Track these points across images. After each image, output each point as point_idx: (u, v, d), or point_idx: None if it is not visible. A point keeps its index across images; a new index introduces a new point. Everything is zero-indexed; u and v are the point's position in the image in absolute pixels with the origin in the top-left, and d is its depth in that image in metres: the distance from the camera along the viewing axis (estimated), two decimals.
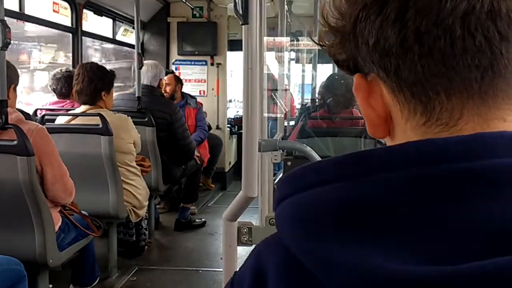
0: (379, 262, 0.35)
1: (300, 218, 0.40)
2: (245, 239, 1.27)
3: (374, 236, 0.36)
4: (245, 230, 1.27)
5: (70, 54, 4.07)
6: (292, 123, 3.90)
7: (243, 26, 1.18)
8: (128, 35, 5.23)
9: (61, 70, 3.53)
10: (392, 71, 0.41)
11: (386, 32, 0.40)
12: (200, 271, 3.31)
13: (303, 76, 5.13)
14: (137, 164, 3.14)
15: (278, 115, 2.91)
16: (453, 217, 0.35)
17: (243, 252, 1.11)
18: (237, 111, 6.86)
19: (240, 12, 1.16)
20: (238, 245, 1.27)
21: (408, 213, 0.36)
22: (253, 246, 0.47)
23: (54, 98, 3.54)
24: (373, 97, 0.44)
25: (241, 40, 1.21)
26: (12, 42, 2.05)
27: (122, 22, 5.06)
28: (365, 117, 0.46)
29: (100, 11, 4.46)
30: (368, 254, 0.35)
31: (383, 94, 0.44)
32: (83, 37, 4.09)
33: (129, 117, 3.07)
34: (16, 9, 3.30)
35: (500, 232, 0.34)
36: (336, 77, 3.79)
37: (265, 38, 1.80)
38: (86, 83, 2.88)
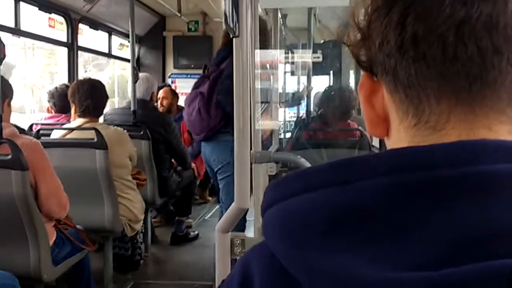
0: (362, 269, 0.35)
1: (286, 225, 0.40)
2: (238, 250, 1.27)
3: (358, 242, 0.37)
4: (238, 241, 1.27)
5: None
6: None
7: (233, 39, 1.20)
8: (124, 49, 5.26)
9: (57, 87, 3.57)
10: (391, 71, 0.42)
11: (389, 35, 0.41)
12: (197, 285, 3.29)
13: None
14: (132, 178, 3.13)
15: (273, 128, 2.91)
16: (434, 223, 0.36)
17: None
18: None
19: (231, 25, 1.17)
20: (231, 257, 1.27)
21: (391, 219, 0.36)
22: None
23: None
24: (375, 97, 0.46)
25: None
26: None
27: (118, 36, 5.09)
28: (365, 115, 0.47)
29: (95, 25, 4.49)
30: (352, 260, 0.36)
31: (384, 95, 0.45)
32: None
33: (125, 131, 3.07)
34: (12, 25, 3.32)
35: (481, 238, 0.34)
36: (332, 89, 3.82)
37: (258, 51, 1.82)
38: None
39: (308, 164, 1.84)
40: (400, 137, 0.44)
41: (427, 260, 0.35)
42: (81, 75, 4.13)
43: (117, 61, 5.53)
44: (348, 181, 0.39)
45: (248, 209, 1.24)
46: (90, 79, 3.06)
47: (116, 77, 7.82)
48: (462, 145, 0.38)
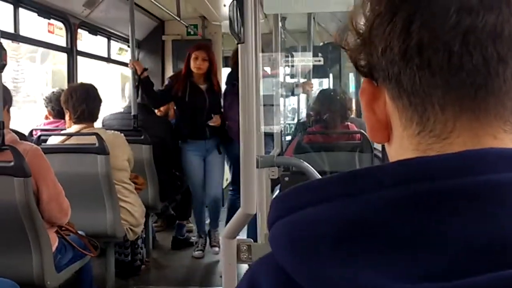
0: (373, 281, 0.35)
1: (293, 238, 0.40)
2: (245, 256, 1.27)
3: (367, 254, 0.37)
4: (245, 247, 1.27)
5: None
6: None
7: (239, 45, 1.20)
8: (123, 54, 5.26)
9: (53, 92, 3.57)
10: (395, 78, 0.42)
11: (393, 41, 0.41)
12: None
13: None
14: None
15: (275, 131, 2.91)
16: (441, 234, 0.36)
17: (243, 271, 1.10)
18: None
19: (236, 31, 1.17)
20: (237, 263, 1.26)
21: (398, 231, 0.36)
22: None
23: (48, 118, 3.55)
24: (377, 103, 0.46)
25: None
26: None
27: (117, 41, 5.09)
28: (366, 120, 0.47)
29: (95, 30, 4.49)
30: (362, 272, 0.36)
31: (386, 101, 0.45)
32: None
33: (122, 134, 3.07)
34: (11, 30, 3.31)
35: (488, 248, 0.34)
36: (328, 92, 3.81)
37: (260, 55, 1.82)
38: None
39: (310, 168, 1.84)
40: (403, 144, 0.44)
41: (436, 271, 0.35)
42: (12, 69, 4.06)
43: (56, 53, 5.14)
44: (354, 194, 0.39)
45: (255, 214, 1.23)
46: (82, 84, 3.06)
47: (53, 72, 7.08)
48: (468, 155, 0.38)
